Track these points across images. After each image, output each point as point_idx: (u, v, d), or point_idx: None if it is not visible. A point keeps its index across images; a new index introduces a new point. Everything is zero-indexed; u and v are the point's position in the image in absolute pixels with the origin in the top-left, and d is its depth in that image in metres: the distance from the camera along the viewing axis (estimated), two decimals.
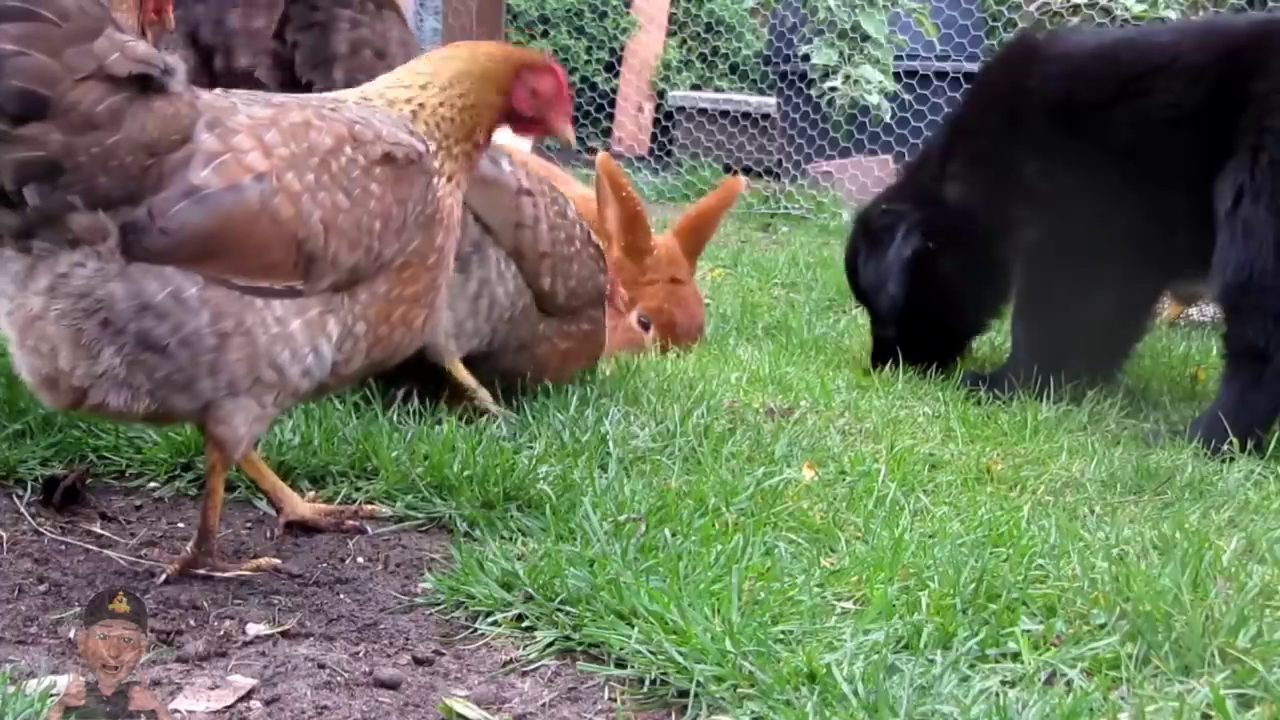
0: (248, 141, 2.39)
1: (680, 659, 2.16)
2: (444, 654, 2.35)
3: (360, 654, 2.33)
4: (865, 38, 10.08)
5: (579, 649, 2.32)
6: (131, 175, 2.28)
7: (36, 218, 2.25)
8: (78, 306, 2.29)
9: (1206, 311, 5.92)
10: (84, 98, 2.23)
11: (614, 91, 12.11)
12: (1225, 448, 3.70)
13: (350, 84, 3.14)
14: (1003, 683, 2.15)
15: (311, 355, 2.46)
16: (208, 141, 2.35)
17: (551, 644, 2.34)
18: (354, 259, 2.49)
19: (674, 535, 2.69)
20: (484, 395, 3.56)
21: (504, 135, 3.01)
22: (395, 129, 2.61)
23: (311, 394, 2.59)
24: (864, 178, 9.62)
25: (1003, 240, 4.50)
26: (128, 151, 2.27)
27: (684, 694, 2.13)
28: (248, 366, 2.39)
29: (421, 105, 2.69)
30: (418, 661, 2.31)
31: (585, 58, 11.89)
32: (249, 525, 2.90)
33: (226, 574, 2.58)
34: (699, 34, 12.41)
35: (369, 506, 2.93)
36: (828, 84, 10.08)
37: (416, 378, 3.52)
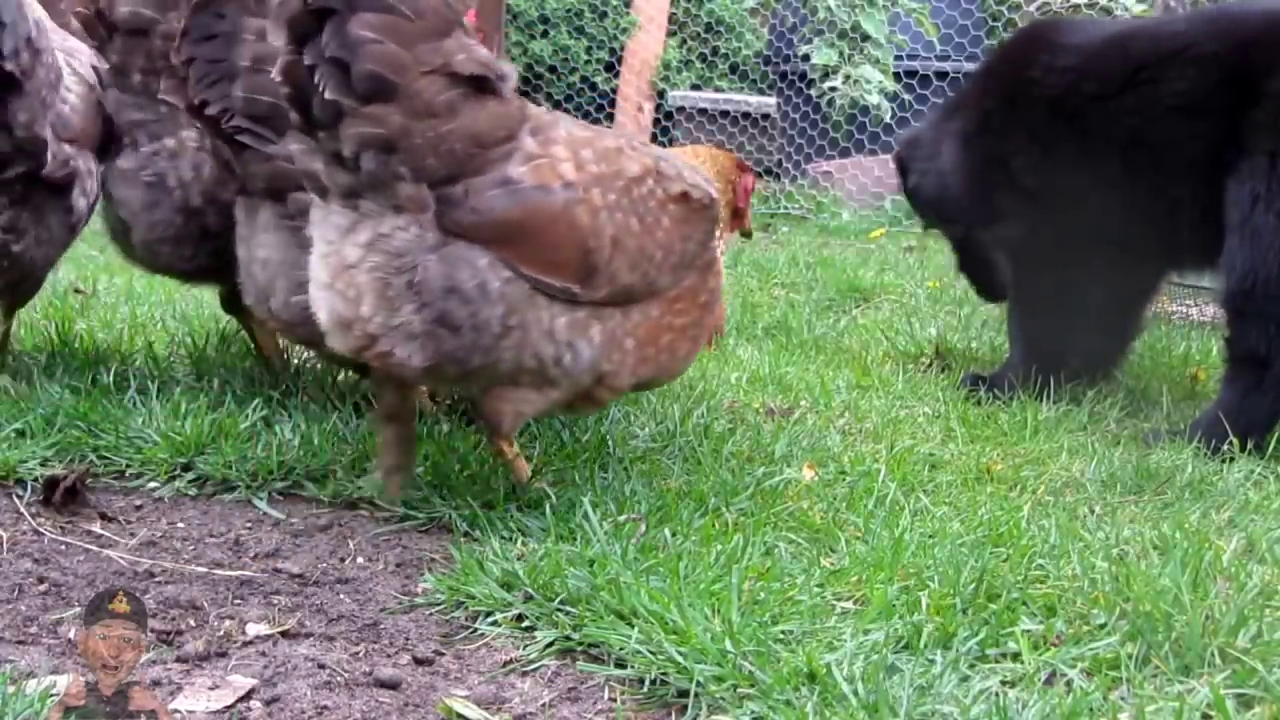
0: (564, 153, 2.67)
1: (680, 659, 2.16)
2: (444, 654, 2.35)
3: (360, 654, 2.33)
4: (865, 38, 10.08)
5: (579, 649, 2.32)
6: (457, 160, 2.56)
7: (368, 181, 2.54)
8: (391, 264, 2.56)
9: (1207, 311, 5.92)
10: (427, 88, 2.50)
11: (614, 91, 12.10)
12: (1225, 448, 3.70)
13: (250, 105, 3.03)
14: (1003, 683, 2.15)
15: (569, 354, 2.70)
16: (529, 145, 2.65)
17: (551, 644, 2.34)
18: (631, 279, 2.75)
19: (674, 535, 2.69)
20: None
21: None
22: (695, 174, 2.93)
23: (575, 391, 2.79)
24: (864, 178, 9.63)
25: (988, 230, 4.48)
26: (458, 140, 2.55)
27: (684, 694, 2.13)
28: (516, 354, 2.66)
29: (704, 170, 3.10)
30: (418, 661, 2.31)
31: (585, 58, 11.88)
32: (249, 525, 2.90)
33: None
34: (699, 34, 12.40)
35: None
36: (828, 84, 10.08)
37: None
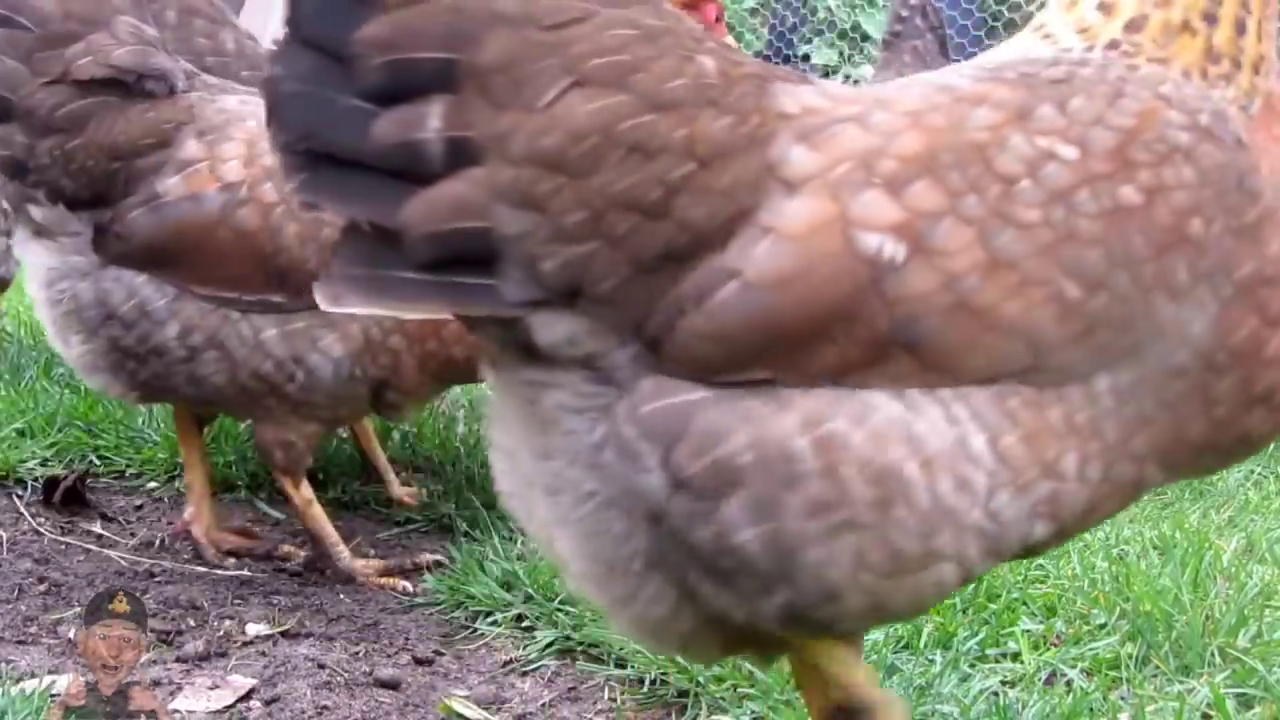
0: (234, 150, 2.47)
1: (680, 659, 2.16)
2: (444, 654, 2.35)
3: (360, 654, 2.33)
4: (865, 38, 10.08)
5: (579, 649, 2.32)
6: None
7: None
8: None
9: None
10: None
11: None
12: None
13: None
14: (1003, 682, 2.15)
15: (300, 370, 2.52)
16: (190, 149, 2.48)
17: (551, 644, 2.34)
18: None
19: None
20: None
21: None
22: None
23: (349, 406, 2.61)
24: None
25: None
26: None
27: (684, 694, 2.13)
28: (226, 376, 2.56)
29: None
30: (418, 661, 2.31)
31: None
32: (249, 524, 2.89)
33: None
34: None
35: None
36: None
37: None
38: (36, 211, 2.49)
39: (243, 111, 2.52)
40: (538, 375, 1.40)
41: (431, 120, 1.32)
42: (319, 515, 2.62)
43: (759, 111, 1.38)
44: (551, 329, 1.36)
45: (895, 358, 1.35)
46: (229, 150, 2.46)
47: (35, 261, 2.54)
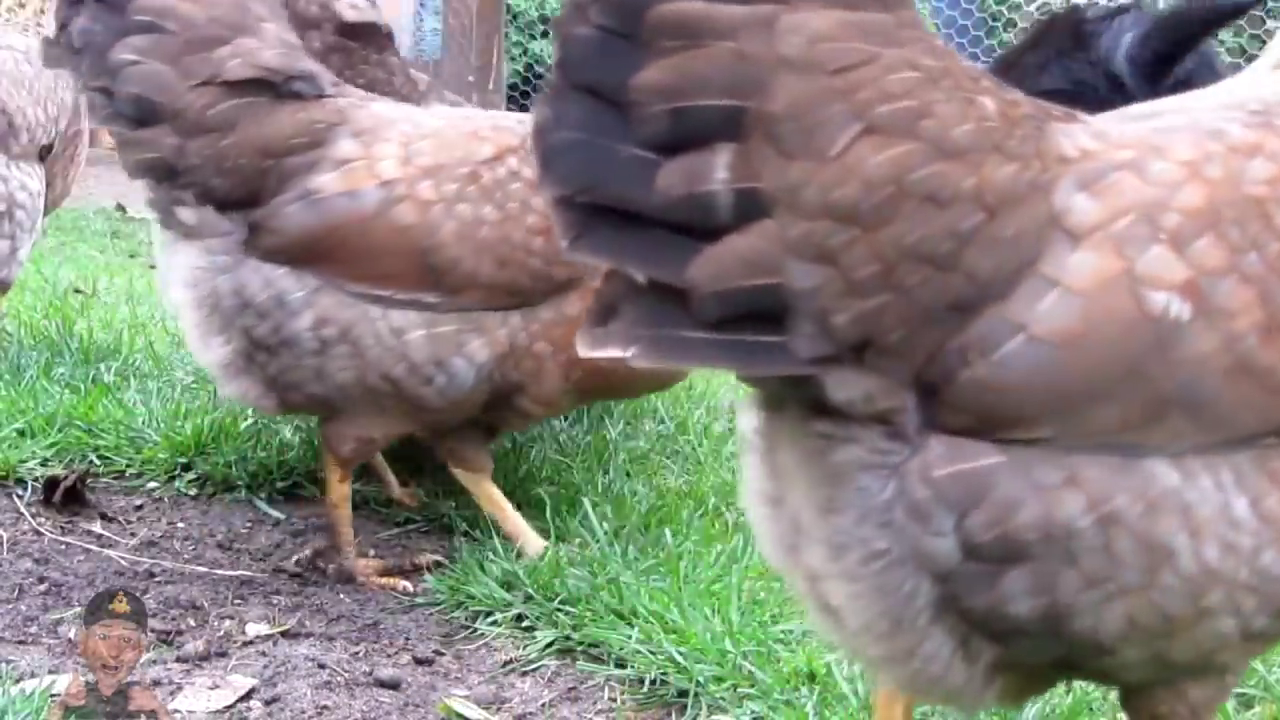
0: (390, 150, 2.51)
1: (680, 659, 2.16)
2: (444, 654, 2.35)
3: (360, 654, 2.33)
4: None
5: (579, 649, 2.32)
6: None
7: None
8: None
9: None
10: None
11: None
12: None
13: None
14: None
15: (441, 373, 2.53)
16: (345, 149, 2.53)
17: (551, 644, 2.34)
18: (504, 275, 2.50)
19: (674, 535, 2.69)
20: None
21: None
22: None
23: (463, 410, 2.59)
24: None
25: None
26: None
27: (684, 694, 2.13)
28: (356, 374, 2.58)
29: None
30: (418, 661, 2.31)
31: None
32: (249, 525, 2.89)
33: None
34: None
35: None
36: None
37: None
38: (185, 213, 2.50)
39: (394, 116, 2.57)
40: (829, 429, 1.37)
41: (718, 171, 1.28)
42: (345, 516, 2.64)
43: (1039, 156, 1.36)
44: (847, 387, 1.33)
45: (1172, 417, 1.33)
46: (385, 150, 2.49)
47: (181, 263, 2.54)
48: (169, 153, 2.46)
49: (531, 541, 2.62)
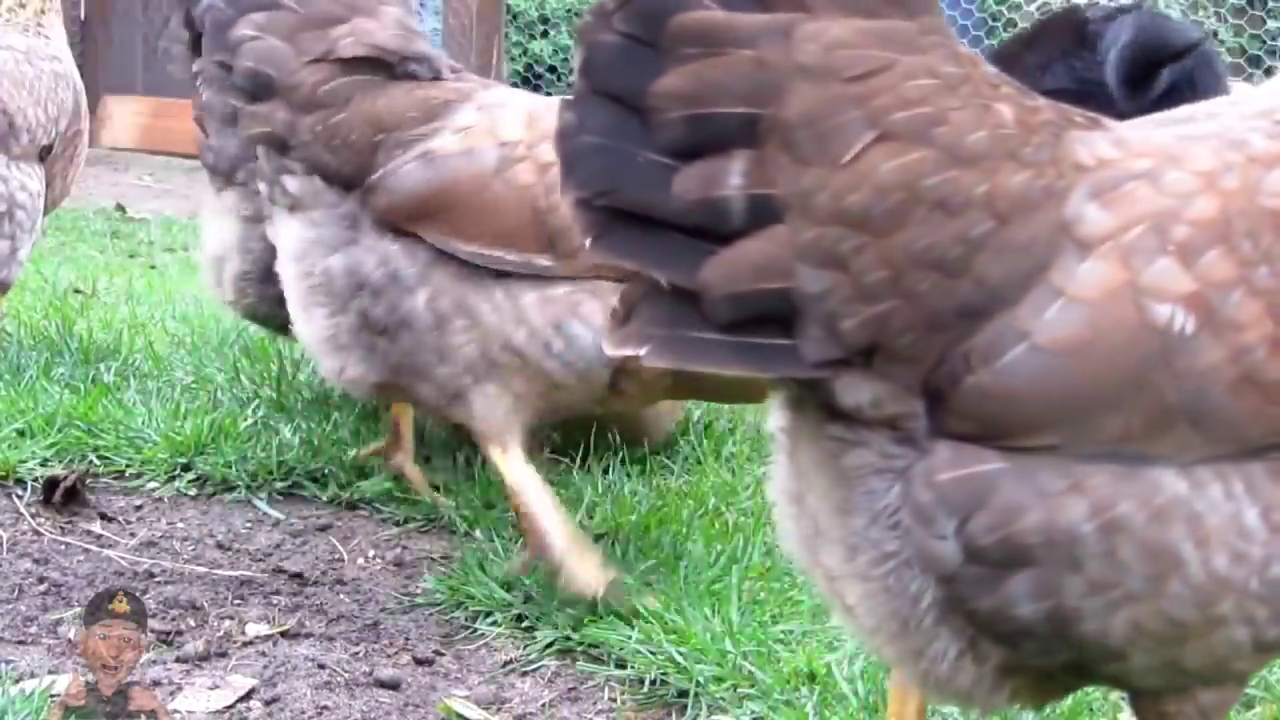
0: (511, 115, 2.51)
1: (680, 659, 2.16)
2: (444, 654, 2.35)
3: (360, 654, 2.33)
4: None
5: (579, 649, 2.32)
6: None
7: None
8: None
9: None
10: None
11: None
12: None
13: None
14: None
15: (560, 340, 2.49)
16: (465, 118, 2.54)
17: (551, 644, 2.34)
18: None
19: (674, 535, 2.69)
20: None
21: None
22: None
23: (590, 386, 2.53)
24: None
25: None
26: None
27: (684, 694, 2.13)
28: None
29: None
30: (418, 661, 2.31)
31: None
32: (249, 525, 2.89)
33: None
34: None
35: None
36: None
37: None
38: (292, 183, 2.52)
39: (515, 96, 2.60)
40: (841, 432, 1.40)
41: (733, 177, 1.30)
42: (537, 497, 2.49)
43: (1054, 164, 1.37)
44: (855, 392, 1.35)
45: (1178, 428, 1.34)
46: (508, 116, 2.49)
47: (288, 233, 2.56)
48: (280, 127, 2.50)
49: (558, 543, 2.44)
